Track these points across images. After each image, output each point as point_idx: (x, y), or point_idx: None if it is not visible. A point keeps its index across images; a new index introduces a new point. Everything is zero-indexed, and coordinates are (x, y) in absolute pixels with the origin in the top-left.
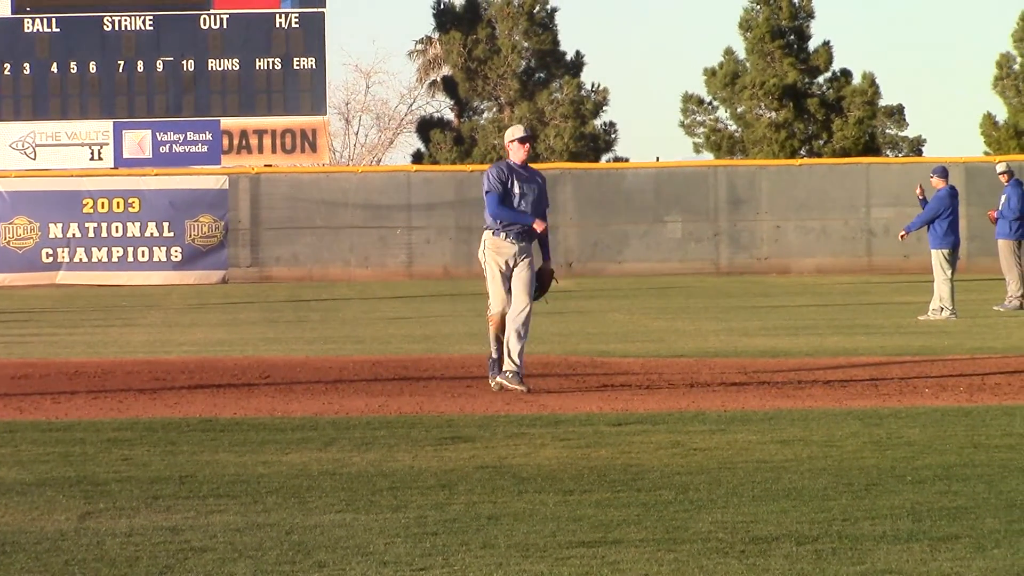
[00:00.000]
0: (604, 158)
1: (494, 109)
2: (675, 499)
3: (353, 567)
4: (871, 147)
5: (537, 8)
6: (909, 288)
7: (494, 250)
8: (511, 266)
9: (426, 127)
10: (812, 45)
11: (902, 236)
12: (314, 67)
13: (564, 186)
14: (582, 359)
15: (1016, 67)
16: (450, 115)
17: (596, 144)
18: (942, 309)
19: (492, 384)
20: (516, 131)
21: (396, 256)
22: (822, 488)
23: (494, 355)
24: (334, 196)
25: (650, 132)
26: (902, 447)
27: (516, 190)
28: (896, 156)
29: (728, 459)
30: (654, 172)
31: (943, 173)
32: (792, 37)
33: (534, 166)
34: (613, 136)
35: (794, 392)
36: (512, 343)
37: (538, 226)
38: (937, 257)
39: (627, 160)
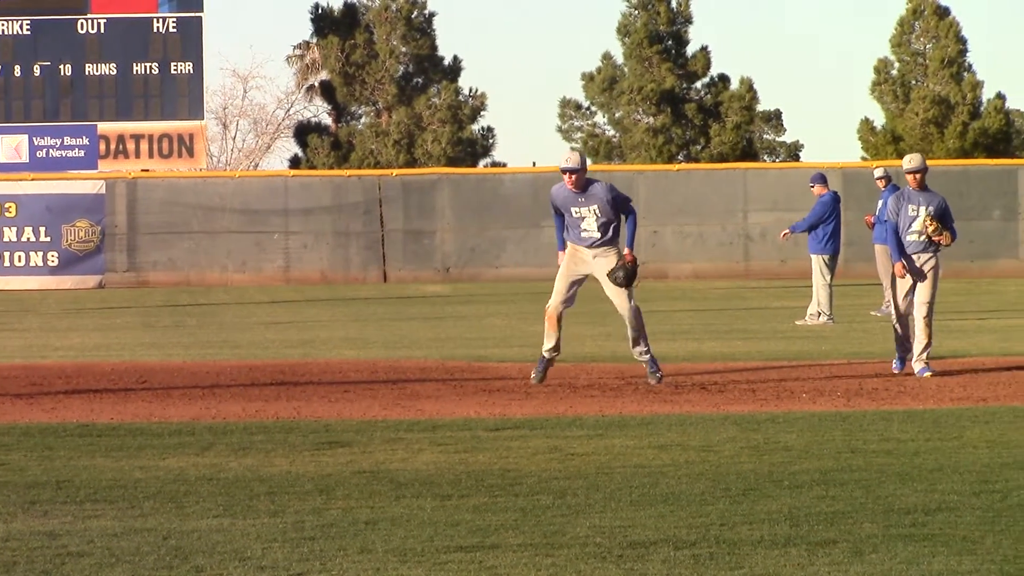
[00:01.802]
0: (482, 163)
1: (372, 114)
2: (553, 504)
3: (231, 572)
4: (748, 152)
5: (415, 13)
6: (786, 293)
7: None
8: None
9: (303, 132)
10: (690, 50)
11: (784, 236)
12: (191, 72)
13: (441, 191)
14: (460, 364)
15: (894, 72)
16: (328, 120)
17: (474, 149)
18: (819, 314)
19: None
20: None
21: (273, 261)
22: (699, 493)
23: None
24: (211, 201)
25: (528, 137)
26: (779, 452)
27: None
28: (773, 161)
29: (606, 464)
30: (532, 177)
31: (822, 180)
32: (670, 42)
33: (414, 172)
34: (491, 141)
35: (672, 397)
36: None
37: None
38: (817, 262)
39: (505, 165)
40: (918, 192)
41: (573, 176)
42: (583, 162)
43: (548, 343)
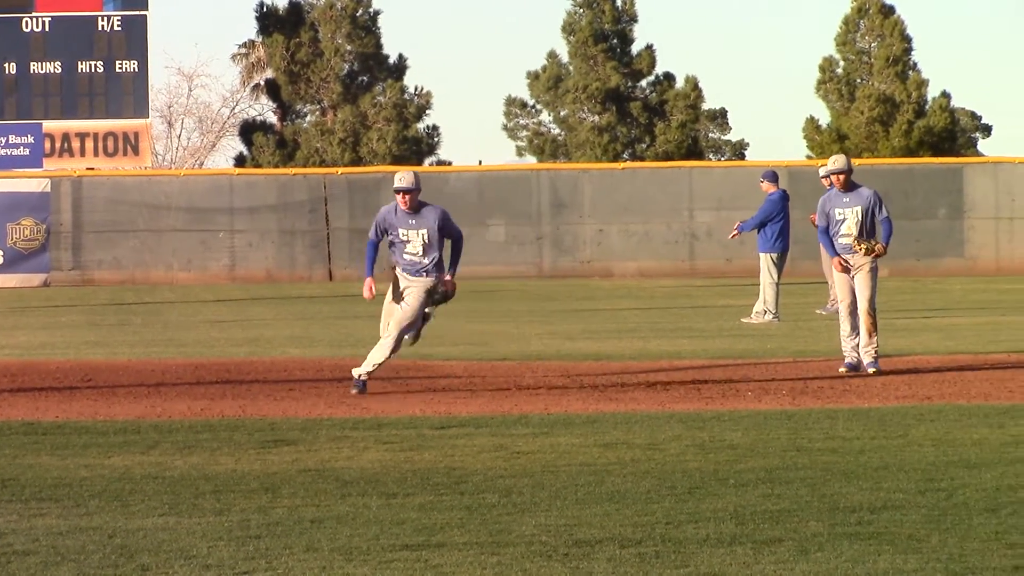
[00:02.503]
0: (427, 161)
1: (317, 112)
2: (499, 502)
3: (176, 570)
4: (694, 151)
5: (360, 11)
6: (731, 292)
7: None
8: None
9: (249, 130)
10: (635, 48)
11: (733, 234)
12: (136, 70)
13: (387, 190)
14: (404, 362)
15: (839, 71)
16: (273, 118)
17: (419, 147)
18: (765, 312)
19: None
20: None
21: (219, 260)
22: (645, 491)
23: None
24: (156, 199)
25: (473, 135)
26: (725, 450)
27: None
28: (719, 160)
29: (551, 462)
30: (477, 175)
31: (773, 177)
32: (615, 41)
33: (359, 170)
34: (436, 139)
35: (617, 395)
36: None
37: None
38: (765, 260)
39: (450, 163)
40: (842, 193)
41: (407, 196)
42: (417, 182)
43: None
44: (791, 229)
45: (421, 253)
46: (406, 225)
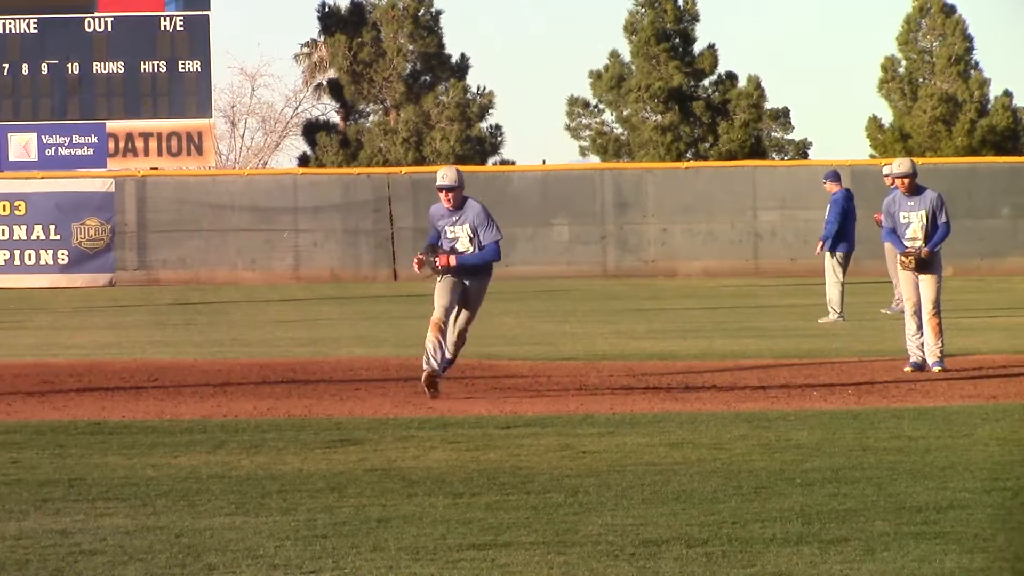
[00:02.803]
0: (490, 161)
1: (380, 112)
2: (565, 502)
3: (243, 570)
4: (757, 150)
5: (422, 11)
6: (796, 291)
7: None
8: None
9: (312, 130)
10: (697, 48)
11: (819, 250)
12: (199, 70)
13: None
14: (470, 362)
15: (901, 70)
16: (336, 118)
17: (482, 147)
18: (831, 312)
19: None
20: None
21: (283, 259)
22: (711, 491)
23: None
24: (220, 199)
25: (536, 135)
26: (791, 450)
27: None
28: (782, 159)
29: (617, 462)
30: (540, 175)
31: (836, 177)
32: (677, 40)
33: (423, 170)
34: (499, 139)
35: (682, 395)
36: None
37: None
38: (830, 260)
39: (513, 163)
40: (907, 196)
41: (450, 194)
42: (460, 179)
43: (436, 355)
44: (855, 228)
45: (471, 249)
46: (451, 222)
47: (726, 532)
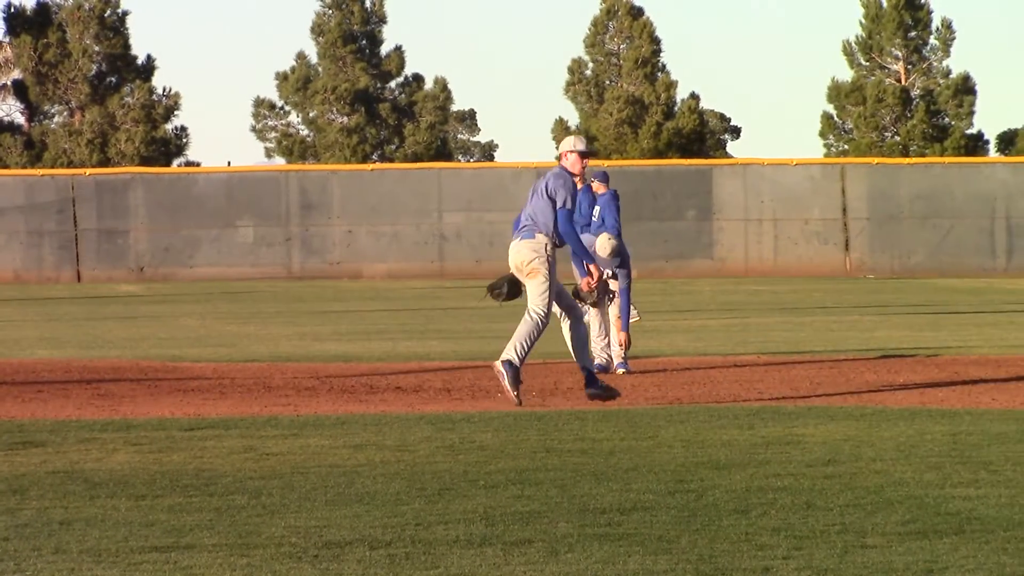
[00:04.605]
0: (176, 162)
1: (65, 113)
2: (248, 504)
3: None
4: (443, 152)
5: (108, 12)
6: (481, 293)
7: (551, 262)
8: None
9: None
10: (384, 50)
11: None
12: None
13: (135, 191)
14: (154, 364)
15: (588, 72)
16: (20, 119)
17: (168, 148)
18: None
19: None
20: (578, 143)
21: None
22: (395, 493)
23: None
24: None
25: (222, 136)
26: (475, 451)
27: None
28: (468, 161)
29: (301, 464)
30: (225, 177)
31: (605, 178)
32: (364, 42)
33: (107, 171)
34: (185, 140)
35: (366, 397)
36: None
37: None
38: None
39: (198, 165)
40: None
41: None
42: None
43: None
44: None
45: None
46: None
47: (409, 534)
